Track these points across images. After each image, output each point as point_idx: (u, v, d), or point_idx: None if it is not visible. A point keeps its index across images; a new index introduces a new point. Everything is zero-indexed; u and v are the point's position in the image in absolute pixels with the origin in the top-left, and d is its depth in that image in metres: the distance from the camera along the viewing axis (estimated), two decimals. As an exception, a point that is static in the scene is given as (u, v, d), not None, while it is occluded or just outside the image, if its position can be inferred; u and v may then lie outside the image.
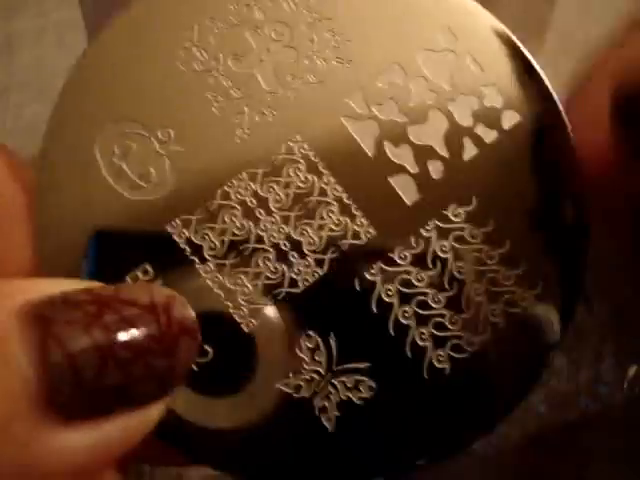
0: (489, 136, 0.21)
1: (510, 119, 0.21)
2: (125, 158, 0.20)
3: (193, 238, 0.20)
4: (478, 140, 0.21)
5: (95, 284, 0.17)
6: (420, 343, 0.20)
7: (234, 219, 0.20)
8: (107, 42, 0.21)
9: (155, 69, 0.20)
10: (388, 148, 0.21)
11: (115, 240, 0.20)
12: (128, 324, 0.16)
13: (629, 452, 0.18)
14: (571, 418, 0.19)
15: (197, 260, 0.20)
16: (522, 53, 0.21)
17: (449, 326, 0.20)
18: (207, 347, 0.19)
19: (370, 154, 0.21)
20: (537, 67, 0.21)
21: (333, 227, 0.20)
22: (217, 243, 0.20)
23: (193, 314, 0.17)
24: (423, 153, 0.21)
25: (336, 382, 0.20)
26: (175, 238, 0.20)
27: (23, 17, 0.27)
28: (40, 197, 0.20)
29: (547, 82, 0.21)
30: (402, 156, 0.21)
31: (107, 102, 0.20)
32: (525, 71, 0.21)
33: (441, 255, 0.20)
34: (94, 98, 0.20)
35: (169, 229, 0.20)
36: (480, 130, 0.21)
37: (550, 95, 0.21)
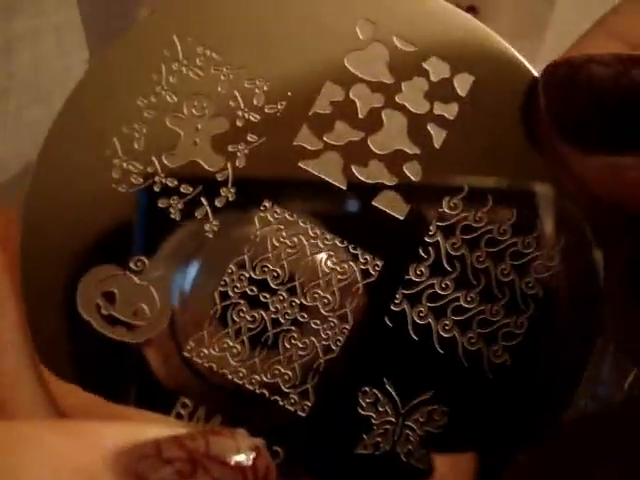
0: (451, 111, 0.19)
1: (464, 83, 0.19)
2: (112, 305, 0.19)
3: (213, 353, 0.19)
4: (442, 121, 0.19)
5: (182, 431, 0.17)
6: (472, 348, 0.19)
7: (243, 314, 0.19)
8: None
9: (91, 204, 0.19)
10: (357, 172, 0.19)
11: (142, 385, 0.19)
12: None
13: (629, 452, 0.18)
14: (569, 418, 0.19)
15: (227, 372, 0.19)
16: (448, 10, 0.19)
17: (492, 319, 0.19)
18: (276, 448, 0.19)
19: (343, 186, 0.19)
20: (468, 16, 0.20)
21: (340, 277, 0.19)
22: (238, 347, 0.19)
23: (274, 466, 0.17)
24: (394, 160, 0.19)
25: (410, 423, 0.19)
26: (196, 360, 0.19)
27: (22, 18, 0.26)
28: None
29: (485, 27, 0.19)
30: (375, 173, 0.19)
31: (67, 252, 0.19)
32: (459, 27, 0.19)
33: (455, 253, 0.19)
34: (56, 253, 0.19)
35: (187, 355, 0.19)
36: (439, 109, 0.19)
37: (496, 40, 0.19)
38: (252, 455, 0.16)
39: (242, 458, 0.16)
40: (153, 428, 0.16)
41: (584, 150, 0.18)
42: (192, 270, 0.19)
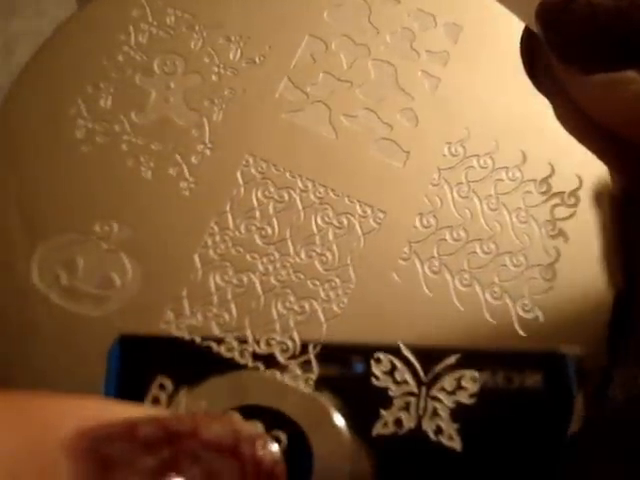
0: (441, 59, 0.18)
1: (452, 32, 0.18)
2: (75, 275, 0.16)
3: (195, 323, 0.16)
4: (433, 69, 0.18)
5: (166, 413, 0.13)
6: (496, 303, 0.16)
7: (228, 278, 0.16)
8: None
9: (59, 160, 0.17)
10: (347, 121, 0.17)
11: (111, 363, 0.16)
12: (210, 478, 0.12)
13: (629, 452, 0.16)
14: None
15: (213, 345, 0.16)
16: None
17: (516, 269, 0.16)
18: (277, 432, 0.15)
19: (333, 135, 0.17)
20: None
21: (338, 232, 0.16)
22: (224, 315, 0.16)
23: (279, 454, 0.13)
24: (385, 109, 0.17)
25: (435, 393, 0.16)
26: (176, 332, 0.16)
27: (22, 18, 0.26)
28: None
29: None
30: (366, 121, 0.17)
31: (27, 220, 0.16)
32: None
33: (463, 200, 0.17)
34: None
35: (164, 327, 0.16)
36: (429, 58, 0.18)
37: None
38: (255, 443, 0.13)
39: (241, 445, 0.13)
40: (126, 407, 0.13)
41: (583, 69, 0.17)
42: (168, 232, 0.16)
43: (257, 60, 0.18)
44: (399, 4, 0.18)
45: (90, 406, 0.13)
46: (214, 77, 0.17)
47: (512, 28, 0.18)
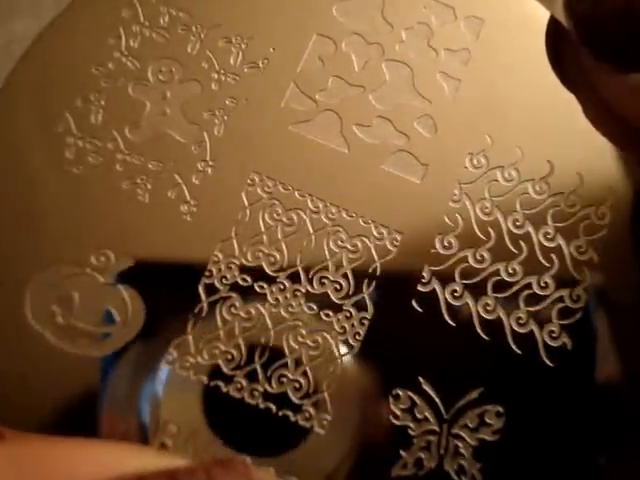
0: (461, 58, 0.16)
1: (473, 27, 0.17)
2: (71, 312, 0.15)
3: (201, 361, 0.15)
4: (452, 69, 0.16)
5: (177, 463, 0.12)
6: (522, 330, 0.15)
7: (235, 311, 0.15)
8: None
9: (42, 191, 0.15)
10: (360, 132, 0.16)
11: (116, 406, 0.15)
12: None
13: (629, 452, 0.15)
14: None
15: (222, 384, 0.15)
16: None
17: (542, 293, 0.15)
18: (290, 478, 0.14)
19: (345, 150, 0.16)
20: None
21: (352, 257, 0.15)
22: (232, 352, 0.15)
23: None
24: (402, 117, 0.16)
25: (458, 431, 0.15)
26: (181, 372, 0.15)
27: (22, 19, 0.25)
28: None
29: None
30: (380, 132, 0.16)
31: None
32: None
33: (487, 218, 0.16)
34: None
35: (168, 366, 0.15)
36: (448, 57, 0.16)
37: None
38: None
39: None
40: (139, 456, 0.13)
41: (617, 67, 0.15)
42: (168, 261, 0.15)
43: (260, 64, 0.16)
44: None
45: (103, 457, 0.12)
46: (214, 85, 0.16)
47: (539, 20, 0.16)
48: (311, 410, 0.15)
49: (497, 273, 0.15)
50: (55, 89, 0.16)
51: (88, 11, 0.16)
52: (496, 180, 0.16)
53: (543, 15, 0.16)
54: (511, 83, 0.16)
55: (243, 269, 0.15)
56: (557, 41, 0.17)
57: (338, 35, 0.16)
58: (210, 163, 0.15)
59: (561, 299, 0.15)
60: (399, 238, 0.15)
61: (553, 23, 0.17)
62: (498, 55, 0.16)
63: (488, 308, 0.15)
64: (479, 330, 0.15)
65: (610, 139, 0.16)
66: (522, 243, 0.16)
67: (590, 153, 0.16)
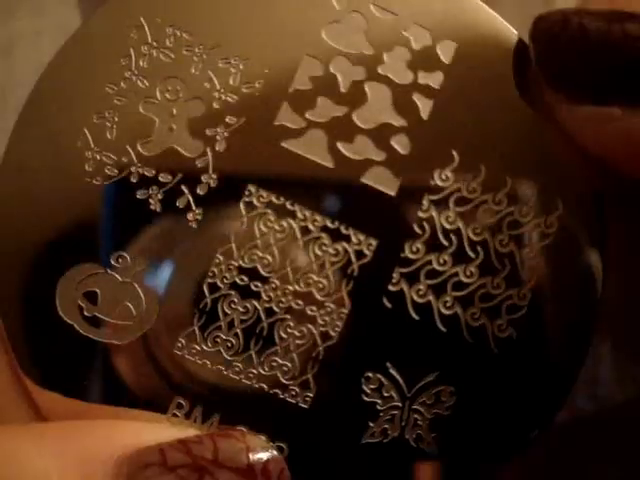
0: (435, 79, 0.19)
1: (447, 50, 0.19)
2: (95, 305, 0.17)
3: (206, 348, 0.18)
4: (427, 90, 0.19)
5: (189, 434, 0.16)
6: (475, 324, 0.18)
7: (234, 306, 0.18)
8: None
9: (65, 200, 0.18)
10: (344, 148, 0.18)
11: (133, 387, 0.18)
12: None
13: (629, 453, 0.18)
14: (566, 418, 0.18)
15: (223, 368, 0.18)
16: None
17: (494, 292, 0.18)
18: (280, 444, 0.18)
19: (330, 164, 0.18)
20: None
21: (334, 260, 0.18)
22: (232, 340, 0.18)
23: (286, 468, 0.16)
24: (381, 134, 0.18)
25: (417, 406, 0.18)
26: (189, 357, 0.18)
27: (21, 18, 0.26)
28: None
29: None
30: (362, 149, 0.18)
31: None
32: None
33: (450, 227, 0.18)
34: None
35: (178, 352, 0.18)
36: (424, 78, 0.19)
37: (476, 5, 0.19)
38: (264, 456, 0.16)
39: (253, 460, 0.16)
40: (156, 429, 0.16)
41: (570, 99, 0.17)
42: (177, 263, 0.18)
43: (256, 84, 0.18)
44: (395, 18, 0.18)
45: (127, 432, 0.16)
46: (215, 104, 0.18)
47: (507, 49, 0.18)
48: (297, 389, 0.18)
49: (456, 275, 0.18)
50: (73, 107, 0.18)
51: (100, 33, 0.18)
52: (459, 192, 0.18)
53: (514, 37, 0.18)
54: (482, 103, 0.19)
55: (241, 270, 0.18)
56: (523, 64, 0.19)
57: (326, 56, 0.18)
58: (212, 176, 0.18)
59: (510, 297, 0.18)
60: (374, 243, 0.18)
61: (520, 44, 0.19)
62: (471, 75, 0.19)
63: (447, 305, 0.18)
64: (439, 324, 0.18)
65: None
66: (479, 249, 0.18)
67: (546, 167, 0.18)
